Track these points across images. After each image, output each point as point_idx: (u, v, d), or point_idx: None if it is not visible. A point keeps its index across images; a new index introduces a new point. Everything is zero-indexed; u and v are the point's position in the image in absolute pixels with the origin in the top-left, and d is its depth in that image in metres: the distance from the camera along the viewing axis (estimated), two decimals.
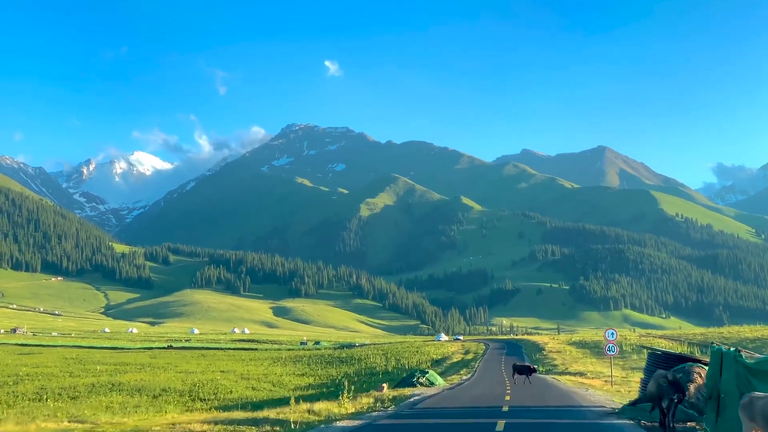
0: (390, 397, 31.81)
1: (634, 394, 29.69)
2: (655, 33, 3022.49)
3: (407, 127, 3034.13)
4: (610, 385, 39.49)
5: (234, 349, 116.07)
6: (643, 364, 51.60)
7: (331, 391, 43.76)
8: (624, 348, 64.60)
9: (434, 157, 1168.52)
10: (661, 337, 73.83)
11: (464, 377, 47.89)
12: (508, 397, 30.19)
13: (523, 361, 66.19)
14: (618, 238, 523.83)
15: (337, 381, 52.80)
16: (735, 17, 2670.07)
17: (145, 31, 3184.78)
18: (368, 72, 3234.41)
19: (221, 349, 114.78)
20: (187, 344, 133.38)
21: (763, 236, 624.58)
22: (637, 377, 39.10)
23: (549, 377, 39.18)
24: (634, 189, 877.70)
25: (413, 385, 40.81)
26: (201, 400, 40.36)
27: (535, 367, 44.26)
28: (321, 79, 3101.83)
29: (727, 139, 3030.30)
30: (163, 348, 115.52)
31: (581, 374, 47.68)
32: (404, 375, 47.10)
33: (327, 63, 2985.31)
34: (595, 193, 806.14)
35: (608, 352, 42.82)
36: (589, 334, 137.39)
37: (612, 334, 44.18)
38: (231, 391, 44.29)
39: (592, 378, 44.80)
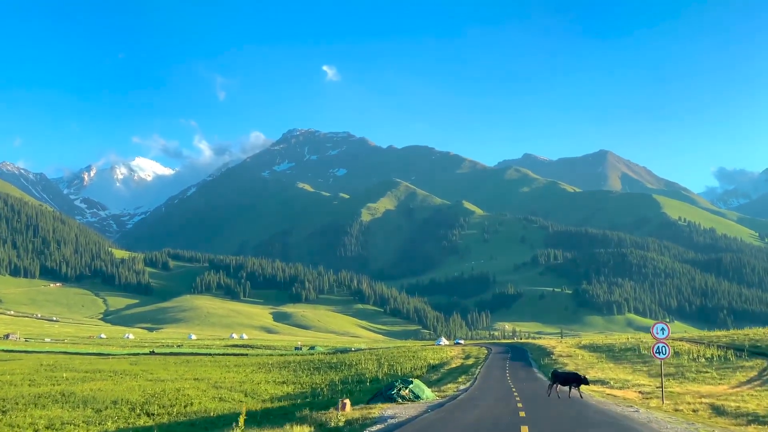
0: (344, 420, 23.57)
1: (704, 415, 23.01)
2: (657, 37, 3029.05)
3: (408, 132, 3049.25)
4: (661, 401, 30.49)
5: (223, 354, 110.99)
6: (672, 370, 45.91)
7: (307, 402, 38.58)
8: (642, 351, 59.51)
9: (436, 162, 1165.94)
10: (680, 339, 68.63)
11: (461, 387, 41.58)
12: (525, 429, 20.11)
13: (530, 367, 60.75)
14: (621, 242, 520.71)
15: (318, 390, 47.65)
16: (737, 21, 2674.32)
17: (144, 37, 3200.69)
18: (367, 76, 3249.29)
19: (210, 354, 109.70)
20: (177, 350, 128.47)
21: (766, 240, 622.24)
22: (677, 387, 33.30)
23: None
24: (637, 193, 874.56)
25: (392, 399, 32.64)
26: (149, 414, 35.03)
27: (586, 376, 33.52)
28: (320, 84, 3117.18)
29: (729, 143, 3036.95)
30: (148, 354, 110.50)
31: (603, 382, 40.73)
32: (384, 385, 39.90)
33: (325, 68, 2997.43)
34: (598, 198, 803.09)
35: (657, 355, 32.63)
36: (599, 337, 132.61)
37: (663, 330, 32.93)
38: (191, 403, 38.91)
39: (621, 388, 37.11)
